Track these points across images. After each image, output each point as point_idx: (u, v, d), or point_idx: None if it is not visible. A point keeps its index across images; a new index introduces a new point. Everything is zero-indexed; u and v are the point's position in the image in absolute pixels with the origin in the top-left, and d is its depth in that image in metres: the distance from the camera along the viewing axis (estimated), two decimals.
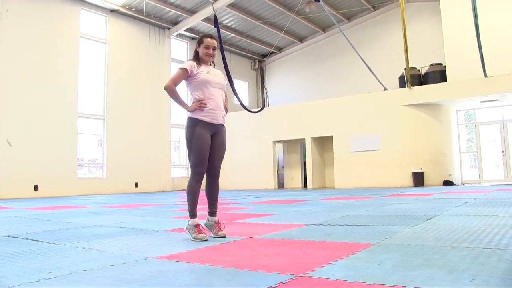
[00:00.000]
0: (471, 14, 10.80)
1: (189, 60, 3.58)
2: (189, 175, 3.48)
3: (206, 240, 3.27)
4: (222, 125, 3.57)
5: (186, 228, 3.42)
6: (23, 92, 12.93)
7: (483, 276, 1.88)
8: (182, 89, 3.61)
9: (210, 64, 3.64)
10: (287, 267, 2.20)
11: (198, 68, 3.49)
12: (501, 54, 13.66)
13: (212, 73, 3.55)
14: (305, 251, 2.67)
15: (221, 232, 3.44)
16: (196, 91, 3.47)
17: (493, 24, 13.93)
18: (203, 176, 3.47)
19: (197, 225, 3.36)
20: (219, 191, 3.65)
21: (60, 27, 14.10)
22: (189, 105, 3.46)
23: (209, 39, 3.56)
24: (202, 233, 3.32)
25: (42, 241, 3.46)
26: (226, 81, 3.74)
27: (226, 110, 3.64)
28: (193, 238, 3.30)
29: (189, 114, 3.47)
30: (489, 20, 13.77)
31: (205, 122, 3.42)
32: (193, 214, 3.41)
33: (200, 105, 3.41)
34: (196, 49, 3.60)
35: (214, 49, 3.58)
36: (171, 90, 3.45)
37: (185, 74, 3.46)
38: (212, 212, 3.53)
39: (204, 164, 3.42)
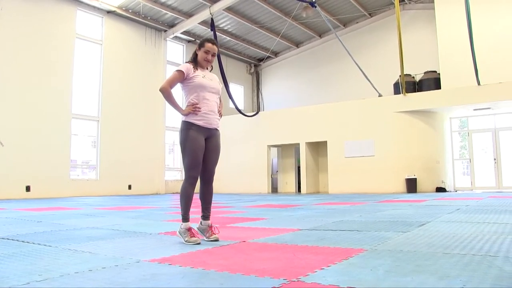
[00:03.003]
0: (465, 23, 10.93)
1: (186, 62, 3.57)
2: (183, 179, 3.47)
3: (199, 243, 3.26)
4: (216, 129, 3.56)
5: (178, 232, 3.41)
6: (17, 92, 12.85)
7: (474, 282, 1.90)
8: (178, 91, 3.60)
9: (207, 68, 3.64)
10: (280, 272, 2.20)
11: (194, 71, 3.47)
12: (494, 63, 13.81)
13: (208, 78, 3.54)
14: (298, 256, 2.67)
15: (214, 236, 3.43)
16: (191, 95, 3.46)
17: (487, 34, 14.10)
18: (197, 180, 3.45)
19: (189, 229, 3.35)
20: (213, 195, 3.65)
21: (56, 27, 14.05)
22: (183, 109, 3.44)
23: (210, 45, 3.53)
24: (194, 236, 3.32)
25: (33, 243, 3.43)
26: (221, 85, 3.73)
27: (221, 115, 3.63)
28: (186, 241, 3.29)
29: (183, 118, 3.45)
30: (483, 30, 13.93)
31: (199, 126, 3.41)
32: (185, 218, 3.39)
33: (194, 109, 3.40)
34: (195, 51, 3.57)
35: (213, 55, 3.56)
36: (166, 92, 3.41)
37: (181, 77, 3.44)
38: (206, 216, 3.52)
39: (197, 167, 3.41)
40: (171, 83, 3.44)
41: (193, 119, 3.40)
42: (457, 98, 13.75)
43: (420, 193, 13.39)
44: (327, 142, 15.97)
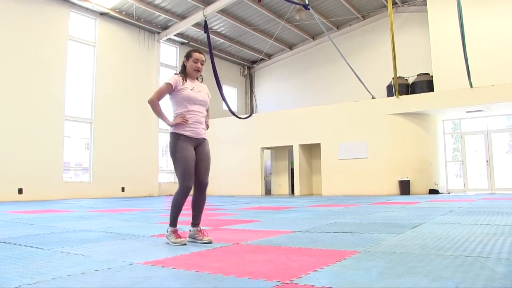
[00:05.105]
0: (458, 26, 11.01)
1: (176, 74, 3.59)
2: (176, 181, 3.50)
3: (185, 244, 3.32)
4: (204, 138, 3.59)
5: (166, 236, 3.46)
6: (10, 94, 12.75)
7: (466, 283, 1.91)
8: (166, 102, 3.63)
9: (198, 79, 3.67)
10: (273, 274, 2.20)
11: (183, 83, 3.50)
12: (486, 66, 13.92)
13: (197, 89, 3.57)
14: (292, 258, 2.67)
15: (206, 238, 3.45)
16: (177, 106, 3.51)
17: (479, 36, 14.21)
18: (190, 190, 3.46)
19: (175, 231, 3.40)
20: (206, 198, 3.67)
21: (49, 29, 13.97)
22: (170, 120, 3.47)
23: (197, 54, 3.58)
24: (180, 237, 3.38)
25: (25, 246, 3.41)
26: (211, 97, 3.77)
27: (207, 126, 3.65)
28: (172, 242, 3.35)
29: (171, 129, 3.48)
30: (475, 32, 14.05)
31: (187, 136, 3.45)
32: (174, 224, 3.45)
33: (182, 120, 3.42)
34: (184, 63, 3.61)
35: (202, 63, 3.60)
36: (154, 104, 3.46)
37: (170, 89, 3.48)
38: (196, 223, 3.55)
39: (191, 176, 3.43)
40: (159, 95, 3.48)
41: (181, 130, 3.44)
42: (450, 100, 13.84)
43: (413, 195, 13.45)
44: (320, 144, 16.00)
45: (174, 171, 3.49)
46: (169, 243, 3.37)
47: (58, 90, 14.13)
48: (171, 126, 3.46)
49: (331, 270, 2.28)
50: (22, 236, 4.03)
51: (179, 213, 3.48)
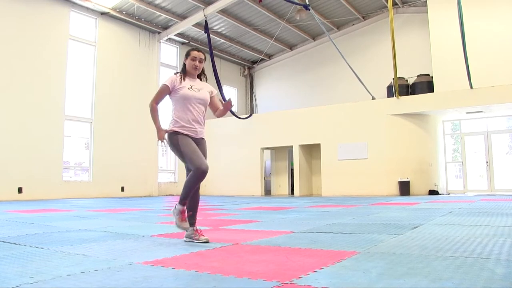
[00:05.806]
0: (458, 27, 11.02)
1: (175, 73, 3.66)
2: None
3: (187, 231, 3.44)
4: (202, 138, 3.64)
5: (173, 210, 3.50)
6: (10, 93, 12.75)
7: (466, 284, 1.91)
8: (166, 101, 3.72)
9: (202, 79, 3.73)
10: (272, 274, 2.20)
11: (181, 82, 3.56)
12: (486, 67, 13.94)
13: (196, 88, 3.60)
14: (291, 258, 2.67)
15: (203, 237, 3.46)
16: (176, 105, 3.58)
17: (480, 37, 14.22)
18: (205, 174, 3.41)
19: (183, 211, 3.42)
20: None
21: (49, 29, 13.97)
22: (161, 128, 3.53)
23: (195, 52, 3.65)
24: (186, 221, 3.42)
25: (24, 245, 3.40)
26: (216, 91, 3.82)
27: (230, 104, 3.67)
28: (176, 223, 3.44)
29: (170, 128, 3.54)
30: (476, 33, 14.06)
31: (185, 134, 3.51)
32: (183, 203, 3.45)
33: (161, 138, 3.49)
34: (184, 62, 3.69)
35: (200, 61, 3.65)
36: (151, 110, 3.57)
37: (167, 90, 3.56)
38: (192, 223, 3.55)
39: (202, 159, 3.43)
40: (157, 98, 3.59)
41: (178, 129, 3.50)
42: (450, 101, 13.85)
43: (413, 196, 13.45)
44: (320, 144, 16.00)
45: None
46: (174, 222, 3.47)
47: (58, 89, 14.13)
48: (157, 133, 3.51)
49: (331, 270, 2.28)
50: (21, 236, 4.02)
51: (190, 194, 3.46)
